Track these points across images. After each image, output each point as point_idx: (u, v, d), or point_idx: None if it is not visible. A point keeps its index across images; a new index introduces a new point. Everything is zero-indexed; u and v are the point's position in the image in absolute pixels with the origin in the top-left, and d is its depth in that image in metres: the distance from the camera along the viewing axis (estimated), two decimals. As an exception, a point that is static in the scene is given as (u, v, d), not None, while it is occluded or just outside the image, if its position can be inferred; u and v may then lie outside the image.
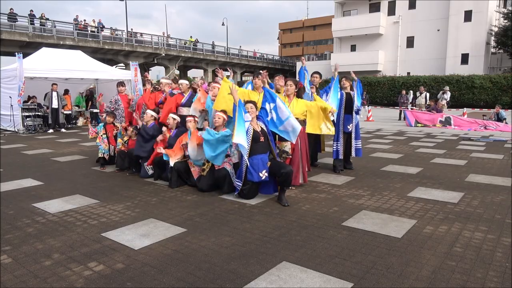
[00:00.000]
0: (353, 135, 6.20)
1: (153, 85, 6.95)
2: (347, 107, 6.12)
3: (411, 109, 17.51)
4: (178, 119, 5.69)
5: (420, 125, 14.46)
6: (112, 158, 6.67)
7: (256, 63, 47.50)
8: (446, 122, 14.09)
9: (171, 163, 5.17)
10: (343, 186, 5.26)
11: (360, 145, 6.36)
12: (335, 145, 6.18)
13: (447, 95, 16.55)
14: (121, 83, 7.32)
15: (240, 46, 47.10)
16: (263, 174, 4.36)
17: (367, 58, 35.68)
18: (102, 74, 14.86)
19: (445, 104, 16.50)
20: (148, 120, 5.92)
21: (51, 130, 12.78)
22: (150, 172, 5.77)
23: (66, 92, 14.76)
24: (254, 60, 47.54)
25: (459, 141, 10.04)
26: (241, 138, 4.31)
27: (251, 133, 4.41)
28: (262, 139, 4.45)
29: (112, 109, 7.05)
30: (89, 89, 16.51)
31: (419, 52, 34.08)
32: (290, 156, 5.01)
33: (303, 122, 5.20)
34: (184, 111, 6.02)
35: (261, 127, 4.54)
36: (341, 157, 6.16)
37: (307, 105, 5.26)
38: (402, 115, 17.79)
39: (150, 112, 5.98)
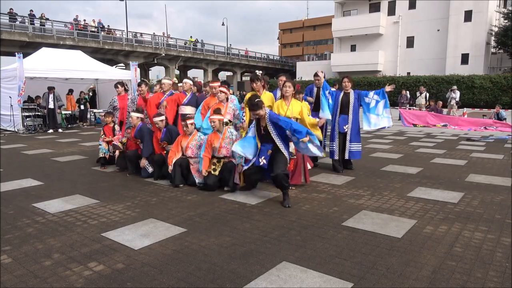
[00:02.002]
0: (348, 137, 6.10)
1: (148, 85, 6.92)
2: (343, 107, 6.08)
3: (409, 109, 17.51)
4: (163, 118, 5.66)
5: (420, 125, 14.46)
6: (112, 158, 6.66)
7: (256, 63, 47.48)
8: (444, 125, 14.09)
9: (170, 167, 5.19)
10: (343, 186, 5.26)
11: (359, 147, 6.22)
12: (331, 145, 6.19)
13: (456, 94, 16.44)
14: (116, 85, 7.29)
15: (231, 45, 46.76)
16: (262, 160, 4.52)
17: (367, 58, 35.68)
18: (102, 74, 14.87)
19: (455, 104, 16.39)
20: (136, 123, 5.89)
21: (51, 130, 12.77)
22: (150, 170, 5.75)
23: (71, 92, 14.77)
24: (254, 60, 47.51)
25: (459, 141, 10.05)
26: (238, 148, 4.66)
27: (255, 125, 4.62)
28: (262, 132, 4.55)
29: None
30: (89, 89, 16.53)
31: (419, 52, 34.07)
32: (295, 157, 5.03)
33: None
34: (186, 109, 6.03)
35: (266, 123, 4.51)
36: (336, 157, 6.14)
37: (302, 106, 5.27)
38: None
39: (135, 114, 5.94)
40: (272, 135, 4.47)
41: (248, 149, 4.63)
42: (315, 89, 6.45)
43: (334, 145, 6.14)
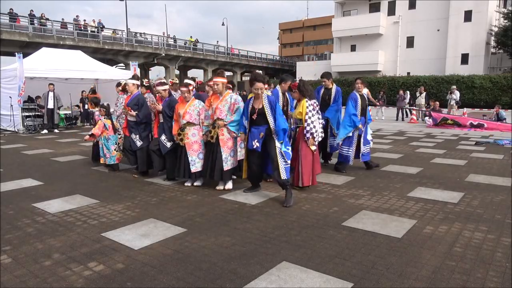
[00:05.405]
0: (361, 140, 6.17)
1: (144, 85, 6.79)
2: (362, 109, 6.13)
3: (409, 109, 17.46)
4: (167, 88, 5.68)
5: (450, 121, 13.67)
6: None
7: (256, 63, 47.48)
8: (478, 126, 13.40)
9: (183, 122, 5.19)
10: (343, 186, 5.25)
11: (369, 149, 6.34)
12: (346, 149, 6.09)
13: (456, 95, 16.42)
14: (118, 84, 7.27)
15: (218, 41, 46.62)
16: (255, 143, 4.57)
17: (367, 58, 35.65)
18: (102, 74, 14.86)
19: (455, 104, 16.39)
20: (132, 91, 5.91)
21: (45, 131, 12.66)
22: (139, 144, 5.83)
23: (93, 91, 14.71)
24: (254, 60, 47.51)
25: (459, 141, 10.04)
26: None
27: (250, 108, 4.67)
28: (254, 116, 4.60)
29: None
30: (90, 89, 16.51)
31: (419, 52, 34.04)
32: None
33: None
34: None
35: (263, 105, 4.56)
36: (351, 163, 6.14)
37: (303, 107, 5.17)
38: (400, 115, 17.74)
39: (131, 81, 5.97)
40: (267, 115, 4.51)
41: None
42: (321, 90, 6.47)
43: (350, 150, 6.08)
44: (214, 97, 5.08)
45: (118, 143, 6.45)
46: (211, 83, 5.51)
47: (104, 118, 6.41)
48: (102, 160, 6.40)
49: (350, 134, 6.02)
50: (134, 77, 6.19)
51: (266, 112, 4.54)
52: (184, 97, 5.20)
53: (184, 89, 5.20)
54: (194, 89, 6.20)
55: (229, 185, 5.12)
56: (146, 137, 5.92)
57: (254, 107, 4.62)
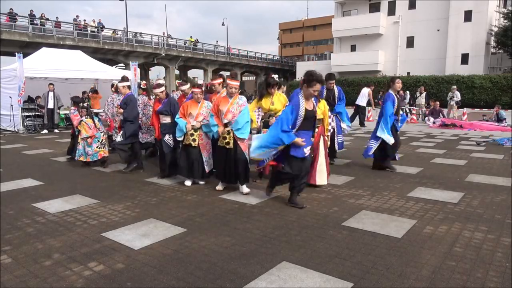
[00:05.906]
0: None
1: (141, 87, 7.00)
2: (396, 110, 6.16)
3: (409, 109, 17.42)
4: (163, 89, 5.67)
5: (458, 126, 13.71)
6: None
7: (256, 63, 47.48)
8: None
9: (193, 123, 5.14)
10: (343, 186, 5.25)
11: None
12: (373, 143, 6.14)
13: (456, 95, 16.40)
14: (111, 85, 7.39)
15: (217, 41, 46.66)
16: (307, 151, 4.25)
17: (367, 58, 35.65)
18: (102, 74, 14.86)
19: (454, 104, 16.37)
20: (124, 92, 6.10)
21: (45, 131, 12.67)
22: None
23: (95, 91, 14.69)
24: (254, 60, 47.50)
25: (459, 141, 10.04)
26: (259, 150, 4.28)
27: (303, 112, 4.12)
28: (308, 116, 4.24)
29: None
30: (90, 89, 16.50)
31: (419, 52, 34.04)
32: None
33: (321, 121, 5.17)
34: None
35: (313, 105, 4.34)
36: (370, 154, 6.18)
37: (325, 106, 5.29)
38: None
39: (121, 84, 6.14)
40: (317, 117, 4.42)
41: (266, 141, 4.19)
42: (324, 92, 6.50)
43: (374, 145, 6.13)
44: (223, 100, 4.87)
45: (102, 140, 6.67)
46: (216, 82, 5.65)
47: (86, 118, 6.62)
48: (82, 158, 6.57)
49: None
50: (123, 79, 6.42)
51: (317, 115, 4.40)
52: (196, 98, 5.22)
53: (197, 90, 5.22)
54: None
55: (246, 188, 4.93)
56: (130, 136, 6.05)
57: (308, 109, 4.18)
